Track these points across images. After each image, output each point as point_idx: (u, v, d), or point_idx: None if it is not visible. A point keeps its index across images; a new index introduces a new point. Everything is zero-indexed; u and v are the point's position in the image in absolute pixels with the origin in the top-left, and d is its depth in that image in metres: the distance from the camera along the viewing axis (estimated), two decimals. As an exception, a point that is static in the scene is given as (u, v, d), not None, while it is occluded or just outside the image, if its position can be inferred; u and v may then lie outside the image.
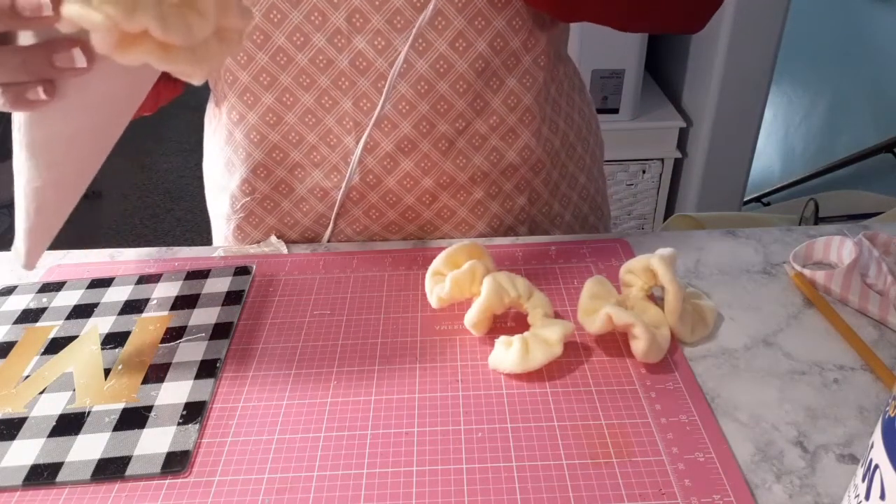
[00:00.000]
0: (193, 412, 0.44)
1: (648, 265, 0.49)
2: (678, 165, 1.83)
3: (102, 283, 0.56)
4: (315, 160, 0.59)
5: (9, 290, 0.56)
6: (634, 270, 0.50)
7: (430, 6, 0.51)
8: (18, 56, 0.33)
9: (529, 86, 0.58)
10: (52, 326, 0.52)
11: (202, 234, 2.45)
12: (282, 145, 0.58)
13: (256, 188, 0.61)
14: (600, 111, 1.66)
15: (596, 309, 0.47)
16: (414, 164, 0.58)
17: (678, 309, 0.47)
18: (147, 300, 0.54)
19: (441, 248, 0.59)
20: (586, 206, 0.69)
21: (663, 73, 1.92)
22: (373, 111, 0.55)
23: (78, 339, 0.50)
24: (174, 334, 0.50)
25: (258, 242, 0.63)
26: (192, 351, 0.49)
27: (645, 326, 0.45)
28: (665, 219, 1.88)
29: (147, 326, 0.51)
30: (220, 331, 0.50)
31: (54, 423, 0.44)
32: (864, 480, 0.30)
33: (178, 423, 0.43)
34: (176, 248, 0.61)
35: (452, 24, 0.53)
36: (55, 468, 0.40)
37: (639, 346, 0.45)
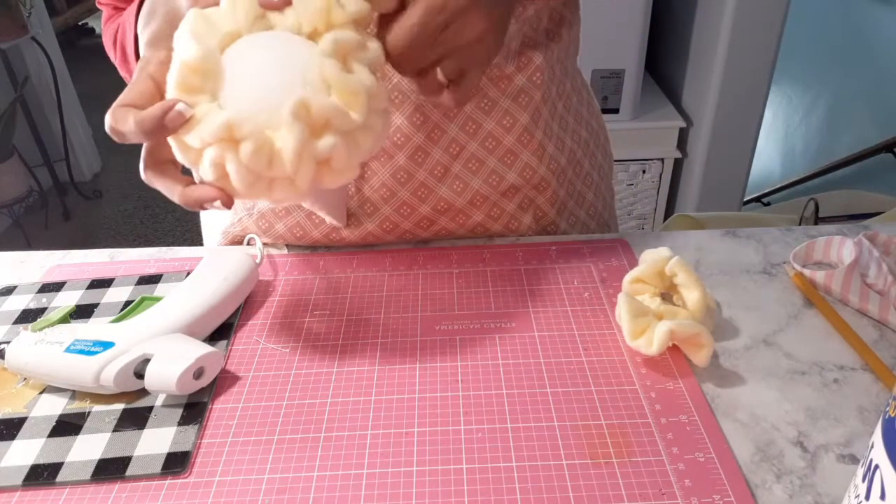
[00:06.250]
0: (193, 412, 0.44)
1: (662, 271, 0.49)
2: (678, 165, 1.83)
3: (102, 283, 0.56)
4: None
5: (9, 290, 0.56)
6: (645, 278, 0.50)
7: None
8: (136, 117, 0.38)
9: (525, 104, 0.57)
10: (52, 326, 0.52)
11: (202, 234, 2.44)
12: None
13: (256, 203, 0.61)
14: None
15: (644, 329, 0.46)
16: (410, 193, 0.57)
17: (705, 307, 0.48)
18: (147, 300, 0.54)
19: (441, 248, 0.59)
20: (594, 224, 0.67)
21: (663, 73, 1.92)
22: None
23: (78, 339, 0.50)
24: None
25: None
26: (192, 351, 0.49)
27: (709, 333, 0.45)
28: (665, 219, 1.88)
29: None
30: (221, 331, 0.50)
31: (54, 423, 0.44)
32: (864, 480, 0.30)
33: (178, 424, 0.43)
34: (176, 248, 0.61)
35: None
36: (55, 468, 0.40)
37: (704, 353, 0.45)
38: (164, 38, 0.41)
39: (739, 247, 0.59)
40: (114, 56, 0.55)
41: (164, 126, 0.37)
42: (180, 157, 0.40)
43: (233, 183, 0.38)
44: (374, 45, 0.39)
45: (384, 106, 0.40)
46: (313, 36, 0.39)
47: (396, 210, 0.58)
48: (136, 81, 0.41)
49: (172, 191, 0.41)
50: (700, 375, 0.46)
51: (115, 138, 0.40)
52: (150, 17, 0.43)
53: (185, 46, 0.38)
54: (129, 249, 0.62)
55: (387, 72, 0.42)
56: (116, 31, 0.54)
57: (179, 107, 0.37)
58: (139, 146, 0.41)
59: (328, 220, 0.55)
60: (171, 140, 0.39)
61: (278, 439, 0.42)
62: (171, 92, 0.39)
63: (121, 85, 0.55)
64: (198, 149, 0.38)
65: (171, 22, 0.41)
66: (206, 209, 0.40)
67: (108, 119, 0.40)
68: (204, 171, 0.38)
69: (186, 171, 0.42)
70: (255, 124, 0.36)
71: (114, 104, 0.40)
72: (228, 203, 0.39)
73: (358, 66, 0.38)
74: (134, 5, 0.50)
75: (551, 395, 0.44)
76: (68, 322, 0.51)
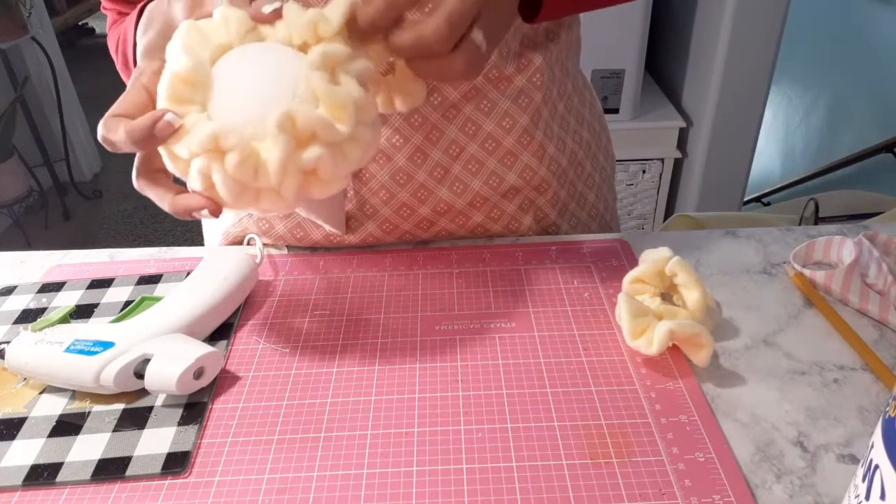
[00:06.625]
0: (193, 412, 0.44)
1: (662, 271, 0.49)
2: (678, 165, 1.83)
3: (102, 283, 0.56)
4: None
5: (9, 290, 0.56)
6: (645, 278, 0.50)
7: None
8: (126, 126, 0.39)
9: (525, 106, 0.57)
10: (52, 326, 0.51)
11: (202, 235, 2.44)
12: None
13: None
14: (600, 111, 1.66)
15: (644, 329, 0.46)
16: (410, 195, 0.57)
17: (705, 307, 0.48)
18: (147, 300, 0.54)
19: (441, 249, 0.59)
20: (595, 225, 0.67)
21: (663, 73, 1.92)
22: None
23: (78, 339, 0.50)
24: (174, 334, 0.50)
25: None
26: (192, 351, 0.49)
27: (709, 333, 0.45)
28: (665, 219, 1.88)
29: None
30: (221, 331, 0.50)
31: (54, 423, 0.44)
32: (864, 480, 0.30)
33: (178, 424, 0.43)
34: (176, 248, 0.61)
35: None
36: (55, 468, 0.40)
37: (704, 353, 0.45)
38: (158, 49, 0.42)
39: (739, 247, 0.59)
40: (117, 60, 0.55)
41: (154, 136, 0.38)
42: (170, 167, 0.40)
43: (219, 193, 0.38)
44: (362, 58, 0.40)
45: (373, 118, 0.41)
46: (304, 48, 0.39)
47: (396, 211, 0.57)
48: (129, 92, 0.41)
49: (163, 199, 0.41)
50: (700, 375, 0.46)
51: (107, 147, 0.41)
52: (148, 26, 0.43)
53: (176, 58, 0.38)
54: (129, 249, 0.62)
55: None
56: (118, 38, 0.54)
57: (168, 117, 0.38)
58: None
59: (327, 227, 0.56)
60: (161, 150, 0.40)
61: (278, 439, 0.42)
62: (161, 102, 0.39)
63: (120, 85, 0.56)
64: (186, 159, 0.39)
65: (166, 33, 0.41)
66: (195, 218, 0.41)
67: (101, 129, 0.40)
68: (192, 180, 0.39)
69: (178, 181, 0.42)
70: (240, 135, 0.37)
71: (106, 114, 0.40)
72: (216, 212, 0.40)
73: (346, 78, 0.38)
74: (134, 13, 0.51)
75: (551, 395, 0.44)
76: (68, 322, 0.51)
